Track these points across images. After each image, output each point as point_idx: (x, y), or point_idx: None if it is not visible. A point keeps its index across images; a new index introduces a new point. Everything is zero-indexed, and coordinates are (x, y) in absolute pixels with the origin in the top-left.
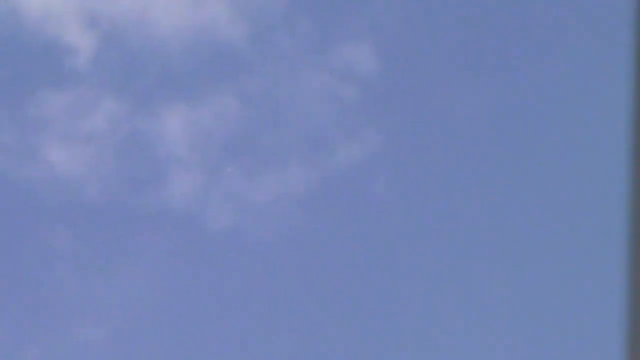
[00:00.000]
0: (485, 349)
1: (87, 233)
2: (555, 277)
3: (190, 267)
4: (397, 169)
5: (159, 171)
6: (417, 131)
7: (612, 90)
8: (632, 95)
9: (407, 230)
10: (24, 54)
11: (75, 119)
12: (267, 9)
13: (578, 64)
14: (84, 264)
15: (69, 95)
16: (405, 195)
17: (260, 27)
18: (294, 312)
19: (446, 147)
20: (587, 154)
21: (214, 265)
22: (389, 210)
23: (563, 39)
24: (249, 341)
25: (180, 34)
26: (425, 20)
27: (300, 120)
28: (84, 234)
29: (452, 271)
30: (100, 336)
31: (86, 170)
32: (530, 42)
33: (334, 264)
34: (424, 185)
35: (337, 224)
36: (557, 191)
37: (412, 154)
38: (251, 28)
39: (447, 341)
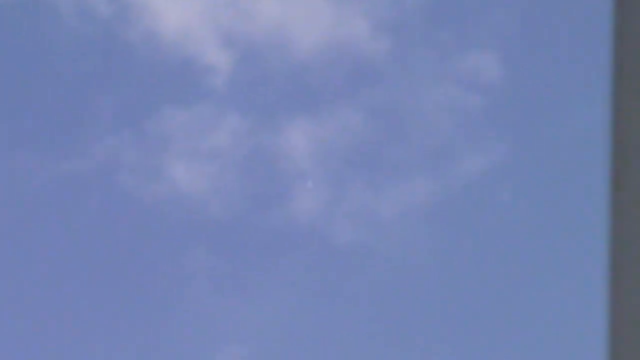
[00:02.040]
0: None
1: (218, 252)
2: None
3: (323, 283)
4: (523, 179)
5: (284, 187)
6: (543, 140)
7: None
8: None
9: (535, 241)
10: (159, 74)
11: (199, 135)
12: (406, 22)
13: None
14: (220, 282)
15: (193, 112)
16: (532, 205)
17: (399, 40)
18: (425, 327)
19: (573, 156)
20: None
21: (344, 281)
22: (516, 220)
23: None
24: (382, 357)
25: (319, 51)
26: (550, 27)
27: (425, 131)
28: (215, 252)
29: (582, 283)
30: (243, 354)
31: (210, 187)
32: None
33: (462, 276)
34: (550, 195)
35: (464, 235)
36: None
37: (539, 163)
38: (390, 42)
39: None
